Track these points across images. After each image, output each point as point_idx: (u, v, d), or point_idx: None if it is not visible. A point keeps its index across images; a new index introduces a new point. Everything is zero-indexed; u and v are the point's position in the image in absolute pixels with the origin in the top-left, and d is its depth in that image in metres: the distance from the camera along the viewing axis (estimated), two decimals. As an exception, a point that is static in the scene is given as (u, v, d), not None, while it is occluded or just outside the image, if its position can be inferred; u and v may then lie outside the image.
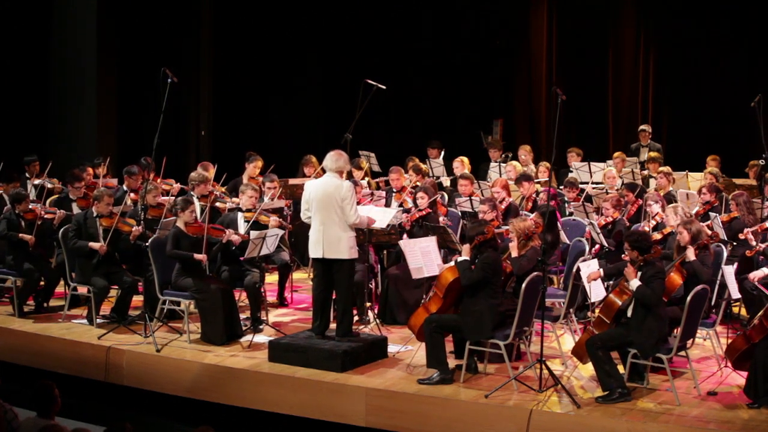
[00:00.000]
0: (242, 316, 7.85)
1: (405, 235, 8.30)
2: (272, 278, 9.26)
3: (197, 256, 7.39)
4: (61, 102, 12.48)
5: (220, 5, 13.80)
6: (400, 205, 9.22)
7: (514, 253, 6.76)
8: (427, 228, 8.11)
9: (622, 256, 6.55)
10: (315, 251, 6.89)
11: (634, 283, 6.14)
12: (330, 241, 6.81)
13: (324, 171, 7.02)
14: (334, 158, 6.92)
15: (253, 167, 10.36)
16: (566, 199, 9.58)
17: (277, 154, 12.41)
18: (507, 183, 9.28)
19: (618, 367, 6.19)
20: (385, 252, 8.79)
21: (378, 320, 7.78)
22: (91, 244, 7.81)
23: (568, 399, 6.02)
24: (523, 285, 6.36)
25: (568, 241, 8.11)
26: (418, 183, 9.93)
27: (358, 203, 8.03)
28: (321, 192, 6.87)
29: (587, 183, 10.58)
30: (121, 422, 4.54)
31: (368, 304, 7.94)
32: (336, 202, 6.80)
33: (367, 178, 10.85)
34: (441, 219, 8.62)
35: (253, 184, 8.36)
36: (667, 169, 10.13)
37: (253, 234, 7.64)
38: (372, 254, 8.27)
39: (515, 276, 6.72)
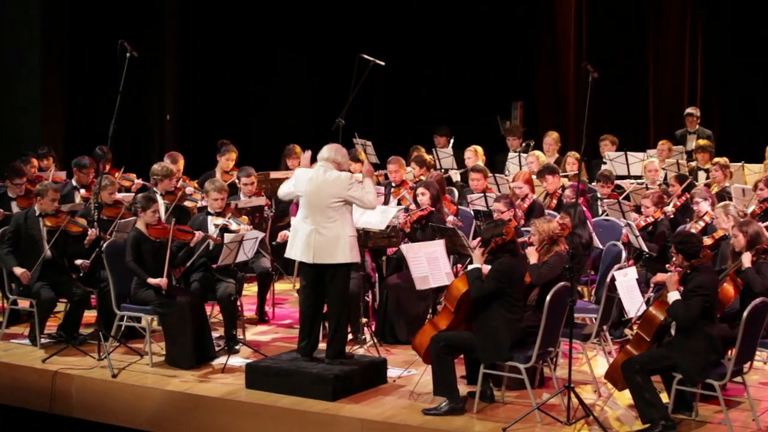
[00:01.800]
0: (215, 334, 7.84)
1: (406, 239, 8.30)
2: (251, 289, 9.23)
3: (152, 281, 7.37)
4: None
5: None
6: (399, 203, 9.19)
7: (533, 260, 6.74)
8: (432, 230, 8.10)
9: (668, 266, 6.50)
10: (304, 254, 6.86)
11: (673, 296, 6.12)
12: (324, 243, 6.81)
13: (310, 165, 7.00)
14: (333, 149, 6.94)
15: (226, 159, 10.31)
16: (599, 195, 9.57)
17: (256, 143, 12.38)
18: (530, 177, 9.28)
19: (661, 395, 6.18)
20: (384, 258, 8.77)
21: (376, 339, 7.77)
22: (15, 269, 7.74)
23: (602, 432, 6.01)
24: (548, 297, 6.34)
25: (600, 246, 8.10)
26: (422, 177, 9.93)
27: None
28: (314, 185, 6.85)
29: (624, 177, 10.56)
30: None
31: (364, 320, 7.90)
32: (332, 199, 6.80)
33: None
34: (450, 219, 8.62)
35: (219, 183, 8.29)
36: (723, 160, 10.01)
37: (228, 237, 7.63)
38: (368, 261, 8.25)
39: (537, 287, 6.71)
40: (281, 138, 11.76)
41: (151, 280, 7.36)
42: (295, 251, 6.94)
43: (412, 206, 8.70)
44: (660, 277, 6.55)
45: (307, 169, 7.06)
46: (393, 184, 9.85)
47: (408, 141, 11.75)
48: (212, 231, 7.99)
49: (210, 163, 10.50)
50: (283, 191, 7.14)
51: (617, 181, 9.94)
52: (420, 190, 8.49)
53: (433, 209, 8.35)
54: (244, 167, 9.47)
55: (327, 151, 6.94)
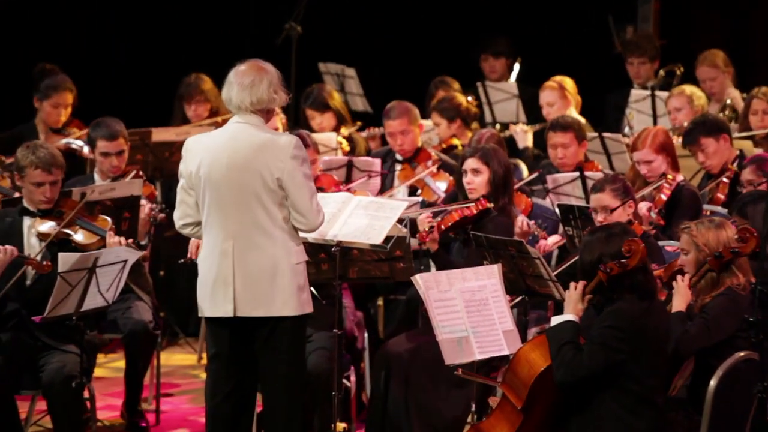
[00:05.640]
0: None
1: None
2: (112, 365, 9.39)
3: None
4: None
5: None
6: (412, 193, 9.35)
7: (680, 304, 6.93)
8: (477, 245, 8.09)
9: None
10: (215, 302, 7.04)
11: None
12: (249, 277, 7.03)
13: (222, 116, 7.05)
14: (246, 81, 7.06)
15: (53, 106, 10.55)
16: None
17: (124, 75, 12.37)
18: (668, 140, 9.33)
19: None
20: (380, 301, 8.94)
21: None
22: None
23: None
24: (713, 382, 6.43)
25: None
26: (454, 141, 10.12)
27: (317, 186, 8.04)
28: (225, 163, 7.07)
29: None
30: None
31: (342, 426, 8.05)
32: (263, 186, 6.94)
33: (346, 130, 11.04)
34: (520, 223, 8.60)
35: (46, 152, 8.22)
36: None
37: (66, 260, 7.59)
38: (349, 307, 8.42)
39: (688, 354, 6.75)
40: (178, 62, 11.84)
41: None
42: (204, 298, 7.12)
43: (440, 200, 8.89)
44: None
45: (209, 134, 7.25)
46: (399, 158, 9.99)
47: (429, 70, 11.94)
48: (32, 247, 8.04)
49: (25, 113, 10.51)
50: (177, 209, 7.20)
51: None
52: (471, 162, 8.58)
53: (492, 205, 8.41)
54: (103, 120, 9.52)
55: (239, 88, 7.01)
